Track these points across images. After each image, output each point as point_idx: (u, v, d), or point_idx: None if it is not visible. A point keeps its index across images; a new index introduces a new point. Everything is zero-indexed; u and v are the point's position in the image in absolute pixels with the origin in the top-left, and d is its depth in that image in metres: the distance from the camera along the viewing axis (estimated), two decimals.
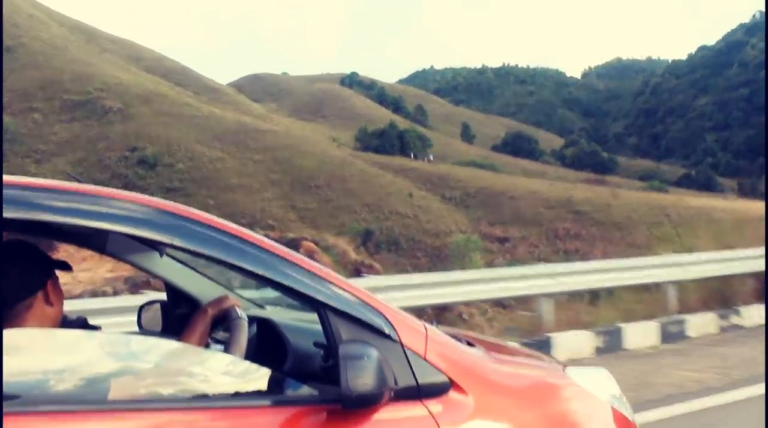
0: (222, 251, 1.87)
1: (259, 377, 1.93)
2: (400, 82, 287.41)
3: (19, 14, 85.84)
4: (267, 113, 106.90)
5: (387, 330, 1.97)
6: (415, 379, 1.95)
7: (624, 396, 2.47)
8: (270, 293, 2.97)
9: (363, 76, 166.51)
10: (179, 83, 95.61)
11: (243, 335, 2.20)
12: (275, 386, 1.93)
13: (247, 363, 1.98)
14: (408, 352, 1.97)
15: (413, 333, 2.03)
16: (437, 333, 2.12)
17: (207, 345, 2.35)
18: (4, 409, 1.54)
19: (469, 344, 2.34)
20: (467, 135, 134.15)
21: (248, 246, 1.92)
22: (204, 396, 1.83)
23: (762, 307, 9.86)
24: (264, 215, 58.36)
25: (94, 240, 2.57)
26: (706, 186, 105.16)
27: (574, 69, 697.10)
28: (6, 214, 1.67)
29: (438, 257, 52.83)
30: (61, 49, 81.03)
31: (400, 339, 1.97)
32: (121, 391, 1.76)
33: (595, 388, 2.37)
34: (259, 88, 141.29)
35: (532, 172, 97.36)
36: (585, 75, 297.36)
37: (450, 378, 2.01)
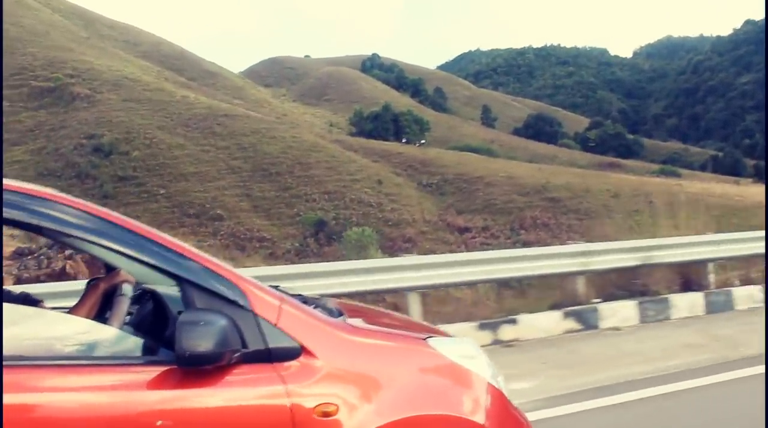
0: (80, 230, 2.20)
1: (133, 342, 2.32)
2: (445, 65, 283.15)
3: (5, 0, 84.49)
4: (267, 98, 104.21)
5: (239, 300, 2.23)
6: (266, 344, 2.22)
7: (492, 365, 2.66)
8: None
9: (385, 57, 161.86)
10: (173, 68, 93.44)
11: (121, 309, 2.55)
12: (149, 349, 2.28)
13: (119, 331, 2.38)
14: (260, 320, 2.23)
15: (266, 303, 2.28)
16: (293, 303, 2.37)
17: (99, 314, 2.65)
18: None
19: (340, 313, 2.61)
20: (487, 118, 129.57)
21: (109, 226, 2.23)
22: (80, 356, 2.23)
23: None
24: (215, 204, 55.50)
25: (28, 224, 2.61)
26: (733, 169, 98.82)
27: (623, 49, 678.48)
28: None
29: (391, 248, 49.24)
30: (41, 35, 79.24)
31: (252, 308, 2.24)
32: (13, 350, 2.12)
33: (457, 356, 2.55)
34: (276, 71, 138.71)
35: (540, 157, 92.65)
36: (635, 54, 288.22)
37: (301, 344, 2.27)
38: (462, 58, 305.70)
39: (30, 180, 2.33)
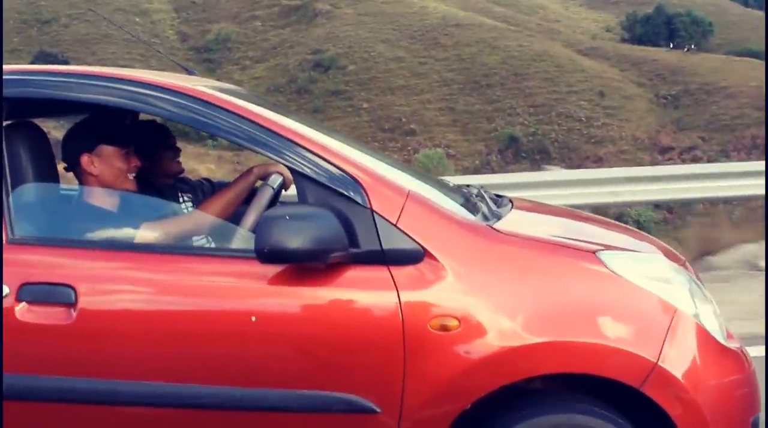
0: (200, 121, 2.19)
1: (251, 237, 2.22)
2: None
3: None
4: (549, 3, 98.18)
5: (354, 195, 2.07)
6: (380, 245, 2.04)
7: (700, 294, 2.27)
8: None
9: None
10: None
11: (260, 199, 2.47)
12: None
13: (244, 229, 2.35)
14: (377, 217, 2.06)
15: (388, 200, 2.09)
16: (423, 202, 2.15)
17: (247, 200, 2.61)
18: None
19: (497, 216, 2.39)
20: None
21: (224, 114, 2.18)
22: (205, 248, 2.47)
23: None
24: (412, 119, 54.16)
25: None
26: None
27: None
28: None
29: (577, 168, 44.54)
30: None
31: (369, 205, 2.07)
32: (144, 238, 2.28)
33: (640, 276, 2.17)
34: None
35: None
36: None
37: (423, 247, 2.05)
38: None
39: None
